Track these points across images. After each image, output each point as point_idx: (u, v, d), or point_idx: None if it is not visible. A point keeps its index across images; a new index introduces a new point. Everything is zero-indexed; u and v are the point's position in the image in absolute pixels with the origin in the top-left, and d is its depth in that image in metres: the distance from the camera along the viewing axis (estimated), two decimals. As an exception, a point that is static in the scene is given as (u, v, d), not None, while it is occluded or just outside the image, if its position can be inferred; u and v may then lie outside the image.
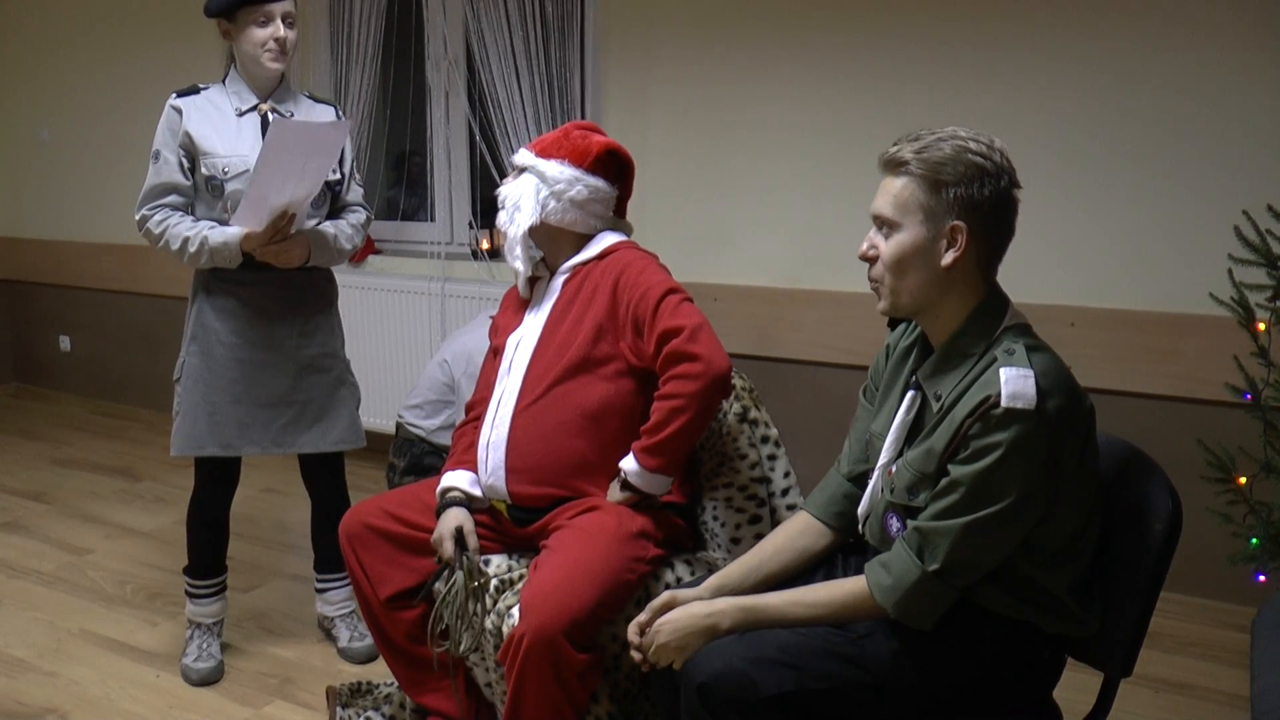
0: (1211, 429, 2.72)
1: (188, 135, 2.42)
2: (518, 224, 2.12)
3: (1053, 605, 1.54)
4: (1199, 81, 2.74)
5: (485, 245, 3.87)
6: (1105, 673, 1.61)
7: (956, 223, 1.49)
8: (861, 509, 1.70)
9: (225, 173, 2.41)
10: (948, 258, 1.51)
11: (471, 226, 3.96)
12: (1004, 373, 1.44)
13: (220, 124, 2.44)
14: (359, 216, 2.62)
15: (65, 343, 5.31)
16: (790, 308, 3.36)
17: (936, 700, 1.56)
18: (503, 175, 2.24)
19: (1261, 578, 2.55)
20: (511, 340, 2.19)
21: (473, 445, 2.16)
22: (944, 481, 1.50)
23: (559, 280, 2.17)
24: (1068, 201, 2.93)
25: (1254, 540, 2.54)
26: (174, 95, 2.46)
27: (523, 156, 2.17)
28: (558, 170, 2.11)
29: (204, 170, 2.43)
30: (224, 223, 2.44)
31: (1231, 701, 2.49)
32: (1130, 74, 2.81)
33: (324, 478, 2.72)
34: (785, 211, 3.35)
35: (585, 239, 2.18)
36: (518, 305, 2.26)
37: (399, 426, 3.28)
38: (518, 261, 2.16)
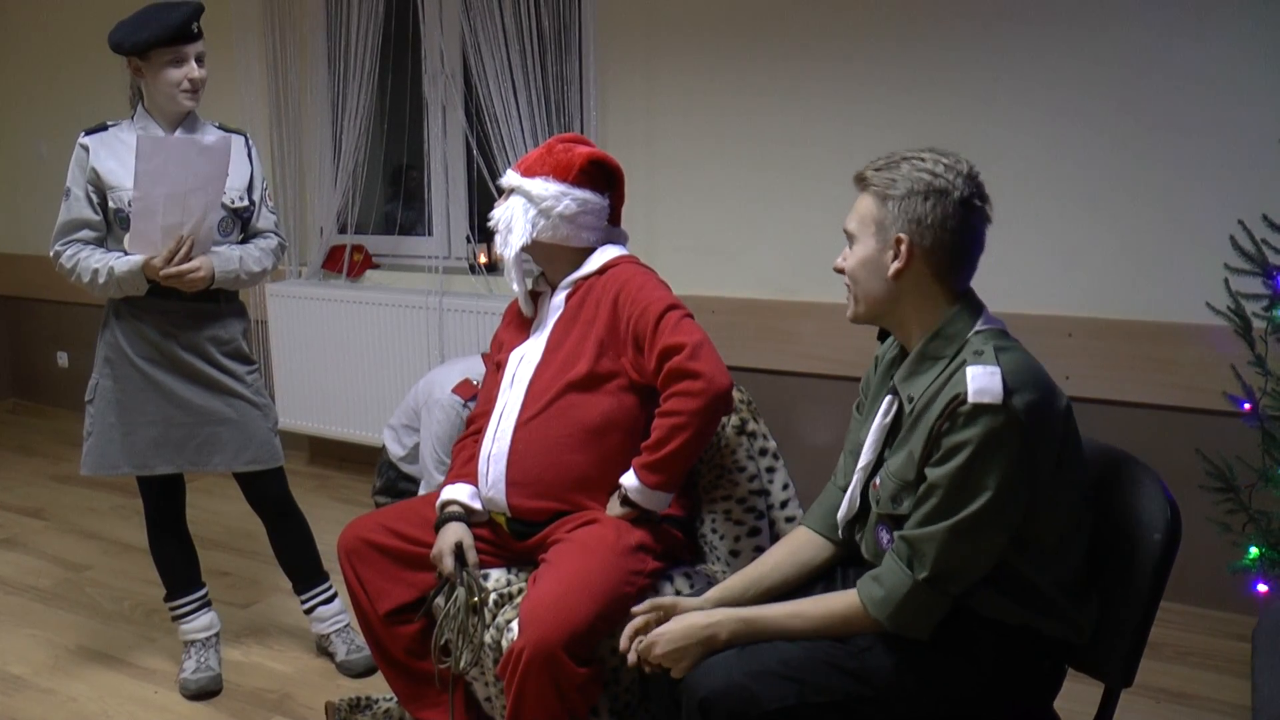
0: (1209, 438, 2.72)
1: (95, 172, 2.45)
2: (510, 245, 2.12)
3: (1047, 606, 1.54)
4: (1195, 91, 2.75)
5: (483, 259, 3.88)
6: (1106, 682, 1.60)
7: (900, 235, 1.56)
8: (841, 513, 1.71)
9: (131, 206, 2.43)
10: (893, 268, 1.57)
11: (469, 240, 3.96)
12: (969, 370, 1.48)
13: (127, 159, 2.44)
14: (270, 242, 2.64)
15: (63, 358, 5.30)
16: (787, 320, 3.36)
17: (938, 713, 1.56)
18: (500, 190, 2.25)
19: (1261, 587, 2.55)
20: (515, 355, 2.19)
21: (473, 458, 2.16)
22: (923, 487, 1.52)
23: (560, 296, 2.18)
24: (1064, 212, 2.94)
25: (1253, 549, 2.54)
26: (82, 134, 2.50)
27: (509, 178, 2.18)
28: (543, 187, 2.11)
29: (112, 204, 2.47)
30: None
31: (1233, 711, 2.49)
32: (1126, 83, 2.82)
33: (263, 497, 2.72)
34: (782, 224, 3.35)
35: (583, 253, 2.18)
36: (520, 320, 2.26)
37: (384, 445, 3.33)
38: (514, 283, 2.16)
